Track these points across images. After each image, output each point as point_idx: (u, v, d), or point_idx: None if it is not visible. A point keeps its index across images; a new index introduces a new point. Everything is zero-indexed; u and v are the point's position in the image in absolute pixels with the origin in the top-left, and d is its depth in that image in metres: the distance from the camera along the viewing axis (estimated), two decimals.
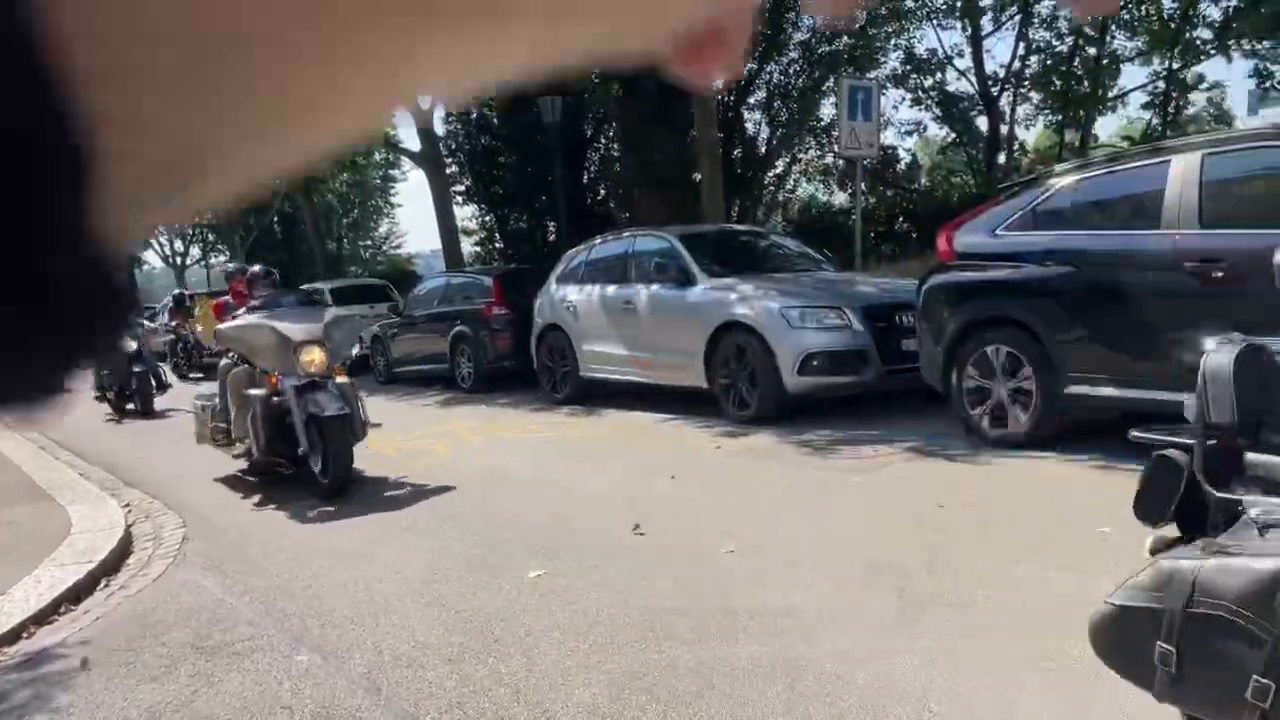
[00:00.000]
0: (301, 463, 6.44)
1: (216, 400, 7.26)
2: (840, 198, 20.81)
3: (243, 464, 7.21)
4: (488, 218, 24.19)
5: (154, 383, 12.50)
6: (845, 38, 18.51)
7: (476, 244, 24.62)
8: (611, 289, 9.63)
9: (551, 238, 21.89)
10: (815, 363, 7.59)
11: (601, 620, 3.74)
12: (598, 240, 10.86)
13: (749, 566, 4.23)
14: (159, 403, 12.51)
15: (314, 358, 6.24)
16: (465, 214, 24.12)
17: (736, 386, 8.06)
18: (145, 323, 14.61)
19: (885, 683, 2.97)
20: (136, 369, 12.04)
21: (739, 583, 4.02)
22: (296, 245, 32.81)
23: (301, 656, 3.63)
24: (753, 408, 7.90)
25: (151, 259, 48.34)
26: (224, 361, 7.21)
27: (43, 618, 4.31)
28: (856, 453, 6.49)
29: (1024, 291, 6.14)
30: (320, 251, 25.81)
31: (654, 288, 9.08)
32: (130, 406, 12.31)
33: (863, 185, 11.89)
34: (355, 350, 7.12)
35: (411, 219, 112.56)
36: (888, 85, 18.24)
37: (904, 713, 2.77)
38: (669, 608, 3.81)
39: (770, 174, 20.44)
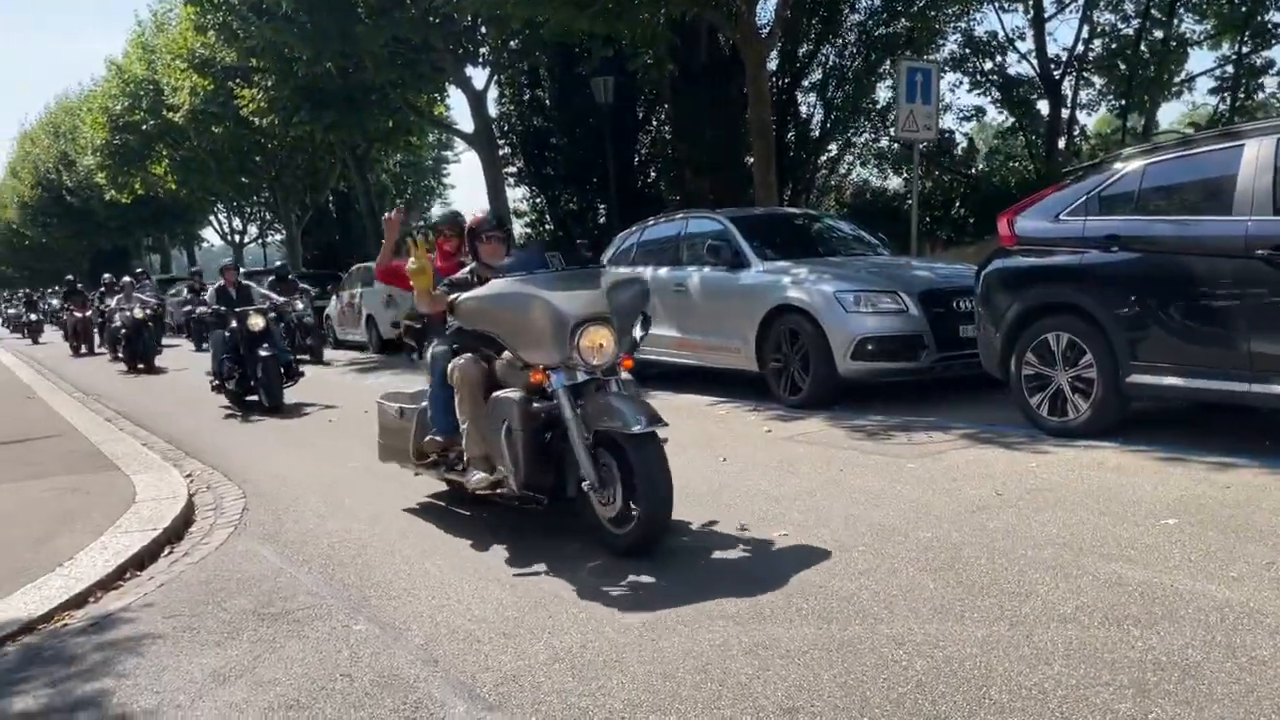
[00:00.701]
0: (561, 496, 4.59)
1: (425, 405, 5.36)
2: (894, 181, 20.57)
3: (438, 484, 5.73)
4: (539, 199, 24.27)
5: (284, 371, 10.26)
6: (903, 20, 18.21)
7: (527, 225, 24.71)
8: (663, 271, 9.61)
9: (602, 219, 21.89)
10: (870, 347, 7.51)
11: (655, 599, 3.75)
12: (650, 222, 10.84)
13: (803, 551, 4.20)
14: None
15: (601, 341, 4.41)
16: (516, 195, 24.24)
17: (788, 370, 8.01)
18: (272, 295, 11.85)
19: (944, 669, 2.94)
20: (263, 353, 9.97)
21: (792, 566, 4.00)
22: (350, 225, 33.17)
23: (360, 626, 3.69)
24: (804, 392, 7.85)
25: (210, 236, 49.28)
26: (437, 348, 5.28)
27: (109, 583, 4.42)
28: (911, 439, 6.42)
29: (1087, 278, 6.01)
30: (374, 230, 26.02)
31: (706, 270, 9.04)
32: (252, 399, 10.27)
33: (919, 169, 11.71)
34: (642, 331, 4.89)
35: (463, 200, 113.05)
36: (946, 68, 17.91)
37: (962, 700, 2.74)
38: (722, 588, 3.80)
39: (823, 157, 20.23)
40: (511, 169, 22.96)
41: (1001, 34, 19.36)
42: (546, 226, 24.04)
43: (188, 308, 17.46)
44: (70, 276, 25.03)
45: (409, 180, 45.11)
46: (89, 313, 22.16)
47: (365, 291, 16.50)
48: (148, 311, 16.87)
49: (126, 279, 19.31)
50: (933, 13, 18.21)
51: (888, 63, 18.87)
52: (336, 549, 4.77)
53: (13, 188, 53.31)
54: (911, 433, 6.59)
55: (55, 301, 35.71)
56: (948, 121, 16.94)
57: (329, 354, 17.40)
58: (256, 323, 10.11)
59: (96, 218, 42.16)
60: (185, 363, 17.62)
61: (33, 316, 30.57)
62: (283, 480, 6.55)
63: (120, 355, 17.03)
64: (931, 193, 15.44)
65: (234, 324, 10.26)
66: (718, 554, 4.25)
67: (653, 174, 23.22)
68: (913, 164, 12.20)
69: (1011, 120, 20.05)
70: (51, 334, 30.65)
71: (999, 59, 19.62)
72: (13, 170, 53.35)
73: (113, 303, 18.90)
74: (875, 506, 4.82)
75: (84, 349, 21.84)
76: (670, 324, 9.38)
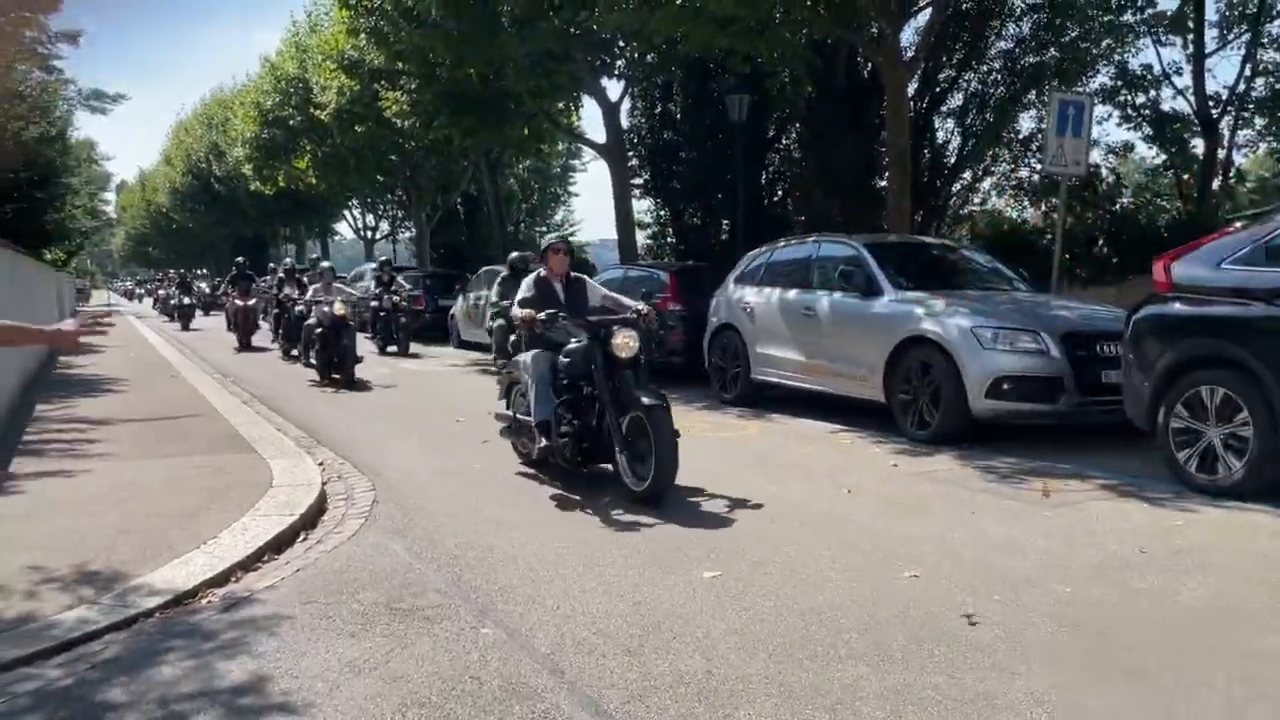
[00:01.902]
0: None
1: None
2: (1031, 214, 19.88)
3: None
4: (663, 212, 24.34)
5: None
6: (1053, 50, 17.62)
7: (649, 237, 24.80)
8: (792, 293, 9.51)
9: (724, 236, 21.82)
10: (1006, 387, 7.27)
11: (779, 630, 3.69)
12: (780, 243, 10.75)
13: (934, 593, 4.08)
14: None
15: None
16: (641, 207, 24.35)
17: (917, 404, 7.81)
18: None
19: None
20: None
21: (923, 608, 3.89)
22: (477, 227, 33.92)
23: (487, 629, 3.73)
24: (933, 427, 7.65)
25: (344, 230, 51.14)
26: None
27: (248, 564, 4.60)
28: (1045, 484, 6.17)
29: (1249, 330, 5.69)
30: (500, 234, 26.59)
31: (837, 295, 8.91)
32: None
33: (1064, 204, 11.29)
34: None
35: (586, 208, 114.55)
36: (1095, 100, 17.26)
37: None
38: (849, 625, 3.72)
39: (958, 185, 19.73)
40: (638, 180, 23.11)
41: (1157, 68, 18.55)
42: (669, 239, 24.09)
43: (375, 302, 17.49)
44: (240, 259, 21.36)
45: (536, 186, 45.95)
46: (253, 301, 19.41)
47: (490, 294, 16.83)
48: (349, 308, 13.24)
49: (325, 264, 15.74)
50: (1084, 44, 17.59)
51: (1033, 93, 18.31)
52: (463, 549, 4.86)
53: (165, 174, 56.36)
54: (1047, 479, 6.34)
55: (204, 285, 34.74)
56: (1094, 156, 16.25)
57: (452, 352, 17.86)
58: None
59: (240, 206, 44.18)
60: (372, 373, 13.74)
61: (185, 300, 27.52)
62: (410, 475, 6.71)
63: (311, 360, 13.38)
64: (1073, 229, 14.87)
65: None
66: (845, 588, 4.16)
67: (779, 193, 23.04)
68: (1058, 198, 11.77)
69: (1163, 158, 19.18)
70: (200, 320, 28.45)
71: (1152, 94, 18.80)
72: (167, 158, 56.42)
73: (294, 292, 16.58)
74: (1010, 554, 4.65)
75: (244, 342, 19.03)
76: (795, 347, 9.28)
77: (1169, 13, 17.97)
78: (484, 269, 19.21)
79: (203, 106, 48.19)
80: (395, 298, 17.51)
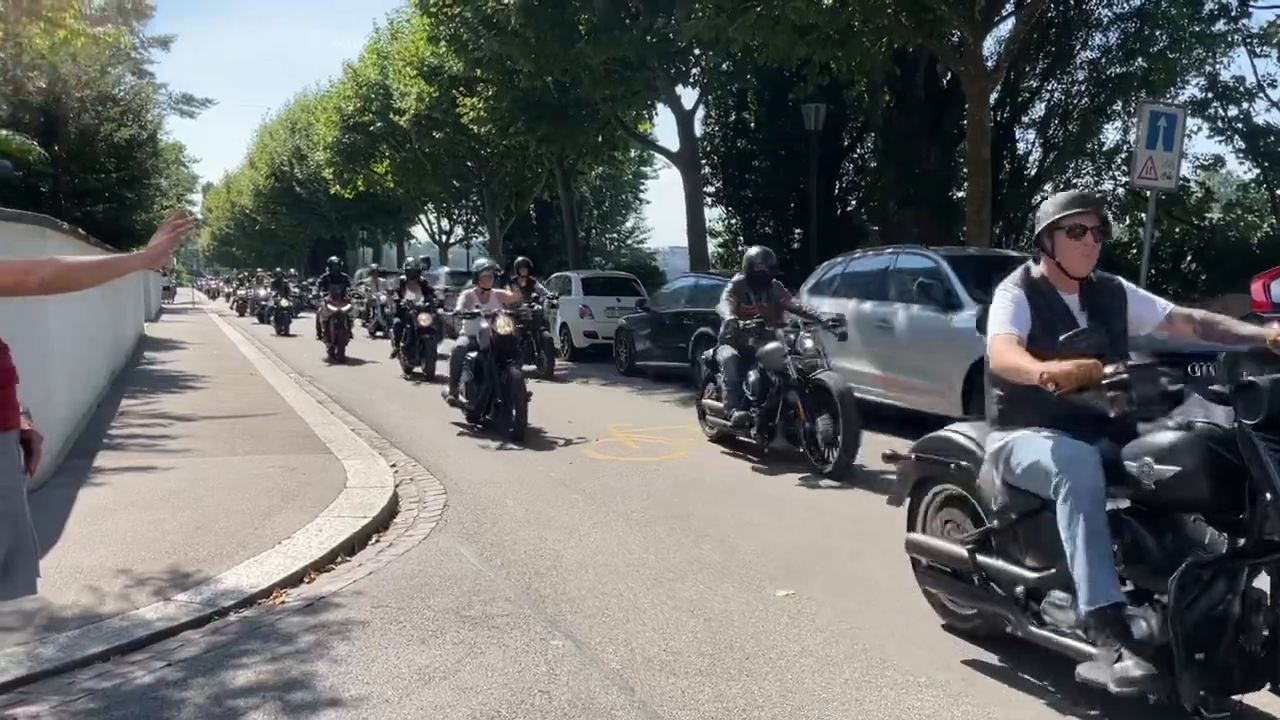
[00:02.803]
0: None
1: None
2: (1115, 228, 19.30)
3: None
4: (734, 220, 24.25)
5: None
6: (1140, 60, 17.12)
7: (720, 245, 24.72)
8: (867, 305, 9.34)
9: (796, 245, 21.64)
10: None
11: (857, 653, 3.59)
12: (856, 254, 10.58)
13: None
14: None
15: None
16: (713, 215, 24.29)
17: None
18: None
19: None
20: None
21: (1014, 640, 3.74)
22: (550, 234, 34.19)
23: (557, 641, 3.70)
24: None
25: (419, 234, 51.94)
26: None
27: (321, 565, 4.64)
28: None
29: None
30: (572, 241, 26.72)
31: (914, 308, 8.72)
32: (418, 370, 13.37)
33: (1152, 218, 10.92)
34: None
35: (656, 215, 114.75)
36: (1186, 112, 16.70)
37: None
38: (930, 644, 3.60)
39: (1038, 197, 19.29)
40: (710, 188, 23.05)
41: (1251, 79, 17.89)
42: (740, 248, 23.99)
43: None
44: (335, 259, 18.36)
45: (607, 193, 46.16)
46: (347, 307, 16.35)
47: (564, 300, 16.89)
48: (519, 325, 9.87)
49: (483, 261, 11.64)
50: (1173, 54, 17.05)
51: (1119, 103, 17.82)
52: (533, 557, 4.83)
53: (249, 176, 57.93)
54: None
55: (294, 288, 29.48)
56: (1183, 169, 15.72)
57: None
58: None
59: (320, 209, 45.22)
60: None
61: (284, 303, 23.36)
62: (482, 480, 6.72)
63: (461, 397, 9.31)
64: (1160, 243, 14.39)
65: None
66: (925, 614, 4.02)
67: (853, 203, 22.80)
68: (1145, 212, 11.40)
69: (1255, 172, 18.48)
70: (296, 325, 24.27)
71: (1245, 106, 18.14)
72: (251, 160, 57.98)
73: (418, 298, 14.20)
74: None
75: (336, 351, 15.99)
76: (870, 360, 9.11)
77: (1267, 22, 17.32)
78: (554, 275, 19.32)
79: (286, 111, 49.40)
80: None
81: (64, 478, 6.31)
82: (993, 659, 3.53)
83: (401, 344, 14.04)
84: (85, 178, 16.52)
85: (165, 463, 6.87)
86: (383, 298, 20.44)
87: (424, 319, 13.48)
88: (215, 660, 3.51)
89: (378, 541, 5.13)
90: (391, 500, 5.78)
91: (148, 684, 3.31)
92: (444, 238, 43.96)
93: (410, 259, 21.95)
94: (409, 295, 14.47)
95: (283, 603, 4.15)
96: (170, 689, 3.28)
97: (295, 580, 4.41)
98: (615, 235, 50.07)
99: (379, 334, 20.56)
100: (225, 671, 3.41)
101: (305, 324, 24.03)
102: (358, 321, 21.42)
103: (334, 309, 15.97)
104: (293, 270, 33.30)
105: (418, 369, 13.47)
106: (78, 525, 5.15)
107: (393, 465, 6.96)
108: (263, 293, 28.71)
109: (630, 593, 4.29)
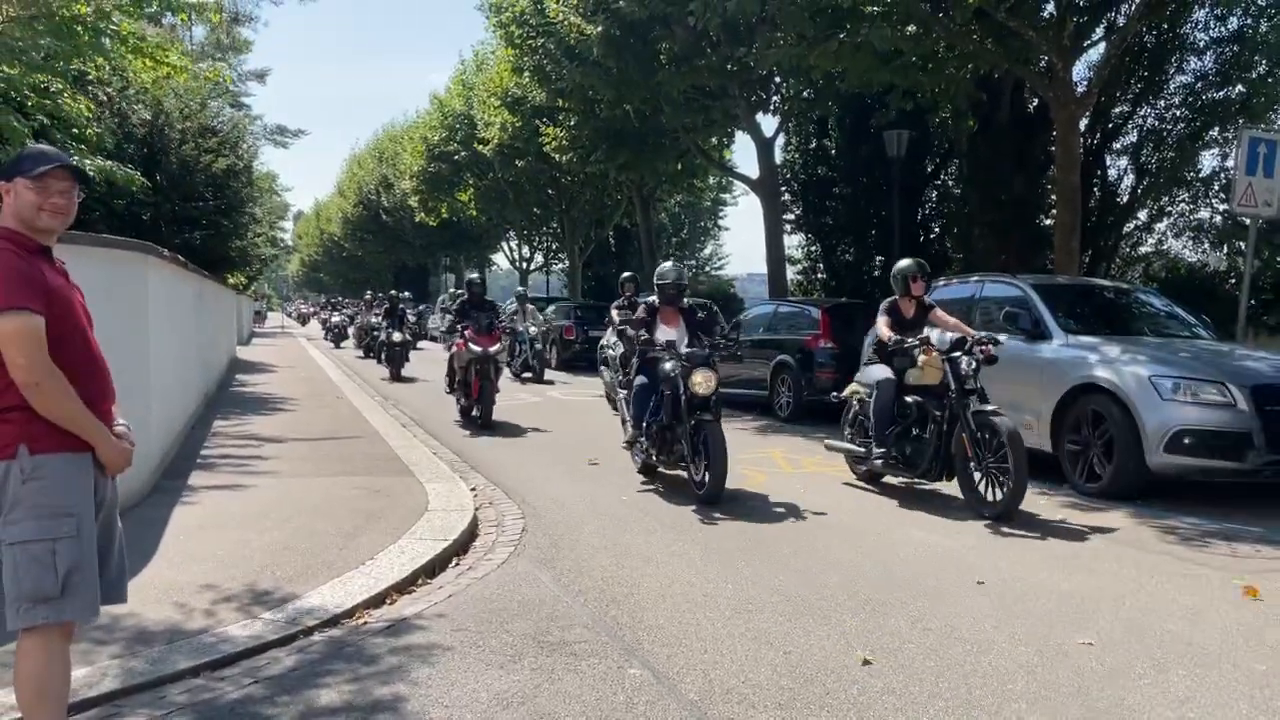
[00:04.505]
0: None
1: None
2: (1213, 258, 18.64)
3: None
4: (814, 247, 24.05)
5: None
6: (1239, 85, 16.55)
7: (799, 273, 24.54)
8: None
9: (877, 273, 21.37)
10: (1187, 441, 6.77)
11: (941, 693, 3.49)
12: (940, 281, 10.40)
13: (1109, 664, 3.79)
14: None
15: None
16: (792, 242, 24.14)
17: (1088, 455, 7.37)
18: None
19: None
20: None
21: (1099, 681, 3.61)
22: (627, 260, 34.40)
23: (634, 670, 3.67)
24: (1104, 480, 7.19)
25: (500, 260, 52.74)
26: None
27: (403, 587, 4.70)
28: (1233, 550, 5.69)
29: None
30: (650, 267, 26.82)
31: (1001, 338, 8.51)
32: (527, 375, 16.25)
33: (1253, 247, 10.52)
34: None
35: (735, 242, 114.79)
36: None
37: None
38: (1019, 693, 3.49)
39: (1130, 225, 18.73)
40: (790, 215, 22.94)
41: None
42: (819, 275, 23.79)
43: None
44: (475, 277, 15.49)
45: (686, 220, 46.30)
46: (495, 348, 11.59)
47: None
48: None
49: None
50: (1271, 79, 16.44)
51: (1216, 129, 17.23)
52: (610, 584, 4.83)
53: (338, 204, 59.66)
54: (1234, 543, 5.84)
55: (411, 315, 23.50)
56: None
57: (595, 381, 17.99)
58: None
59: (405, 236, 46.30)
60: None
61: (396, 336, 18.43)
62: (560, 505, 6.75)
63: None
64: (1260, 273, 13.84)
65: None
66: (1011, 649, 3.90)
67: (936, 230, 22.44)
68: (1244, 240, 10.99)
69: None
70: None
71: None
72: (340, 189, 59.72)
73: (476, 316, 11.58)
74: (1195, 626, 4.28)
75: (479, 414, 11.47)
76: None
77: None
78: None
79: (375, 141, 50.79)
80: (534, 327, 17.99)
81: (158, 497, 6.53)
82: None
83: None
84: (185, 206, 17.16)
85: (254, 483, 7.06)
86: (533, 330, 17.94)
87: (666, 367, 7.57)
88: (301, 679, 3.57)
89: (457, 564, 5.19)
90: (471, 523, 5.84)
91: (236, 699, 3.39)
92: (525, 264, 44.56)
93: (473, 277, 20.83)
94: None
95: (366, 623, 4.21)
96: (258, 705, 3.34)
97: (378, 601, 4.48)
98: (694, 262, 50.16)
99: (526, 375, 17.67)
100: (311, 690, 3.47)
101: (421, 358, 21.68)
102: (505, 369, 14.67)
103: (479, 349, 11.12)
104: (407, 294, 27.80)
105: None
106: (171, 543, 5.31)
107: (472, 488, 7.04)
108: (373, 319, 23.04)
109: (709, 623, 4.25)
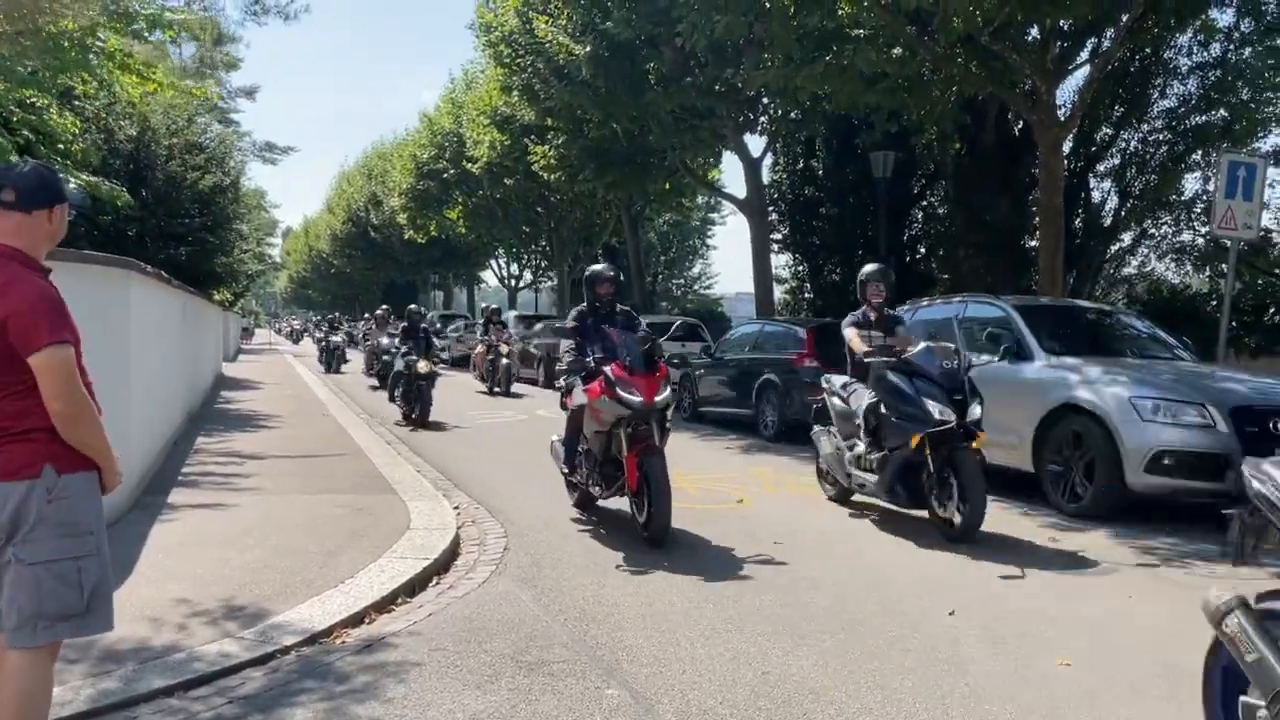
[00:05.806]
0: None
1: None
2: (1195, 280, 18.82)
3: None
4: (801, 267, 24.16)
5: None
6: (1221, 110, 16.74)
7: (786, 292, 24.63)
8: None
9: None
10: (1167, 462, 6.81)
11: (918, 714, 3.49)
12: (924, 301, 10.47)
13: (1086, 685, 3.80)
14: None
15: None
16: (779, 262, 24.25)
17: (1069, 476, 7.40)
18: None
19: None
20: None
21: (1074, 702, 3.62)
22: None
23: (612, 690, 3.66)
24: (1085, 501, 7.22)
25: (489, 278, 52.76)
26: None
27: (382, 606, 4.68)
28: (1213, 570, 5.72)
29: None
30: (639, 286, 26.89)
31: (983, 358, 8.56)
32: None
33: (1233, 269, 10.62)
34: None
35: (723, 261, 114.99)
36: (1269, 162, 16.23)
37: None
38: (996, 714, 3.49)
39: (1114, 247, 18.89)
40: (777, 235, 23.05)
41: None
42: (806, 295, 23.88)
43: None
44: (419, 309, 15.74)
45: (674, 239, 46.44)
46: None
47: None
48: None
49: (494, 305, 16.10)
50: (1254, 104, 16.64)
51: (1198, 153, 17.43)
52: (591, 604, 4.82)
53: (327, 221, 59.62)
54: (1213, 563, 5.88)
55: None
56: (1264, 219, 15.26)
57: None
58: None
59: (394, 253, 46.29)
60: None
61: (421, 367, 13.19)
62: (544, 524, 6.74)
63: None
64: (1241, 295, 13.97)
65: None
66: (988, 672, 3.91)
67: (922, 250, 22.58)
68: (1225, 263, 11.09)
69: None
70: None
71: None
72: (329, 206, 59.70)
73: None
74: (1174, 645, 4.28)
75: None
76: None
77: None
78: None
79: (364, 158, 50.83)
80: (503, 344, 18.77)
81: (138, 514, 6.48)
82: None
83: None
84: (170, 222, 17.14)
85: (236, 500, 7.02)
86: (504, 348, 18.78)
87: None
88: (275, 698, 3.55)
89: (438, 583, 5.16)
90: (452, 542, 5.82)
91: (208, 719, 3.36)
92: (513, 282, 44.60)
93: (489, 306, 21.55)
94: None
95: (343, 642, 4.19)
96: None
97: (356, 620, 4.46)
98: (682, 281, 50.29)
99: (496, 390, 18.21)
100: (284, 709, 3.45)
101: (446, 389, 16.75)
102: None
103: (637, 399, 7.21)
104: (425, 310, 22.04)
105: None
106: (149, 561, 5.28)
107: (455, 507, 7.01)
108: (385, 340, 19.51)
109: (688, 644, 4.24)
